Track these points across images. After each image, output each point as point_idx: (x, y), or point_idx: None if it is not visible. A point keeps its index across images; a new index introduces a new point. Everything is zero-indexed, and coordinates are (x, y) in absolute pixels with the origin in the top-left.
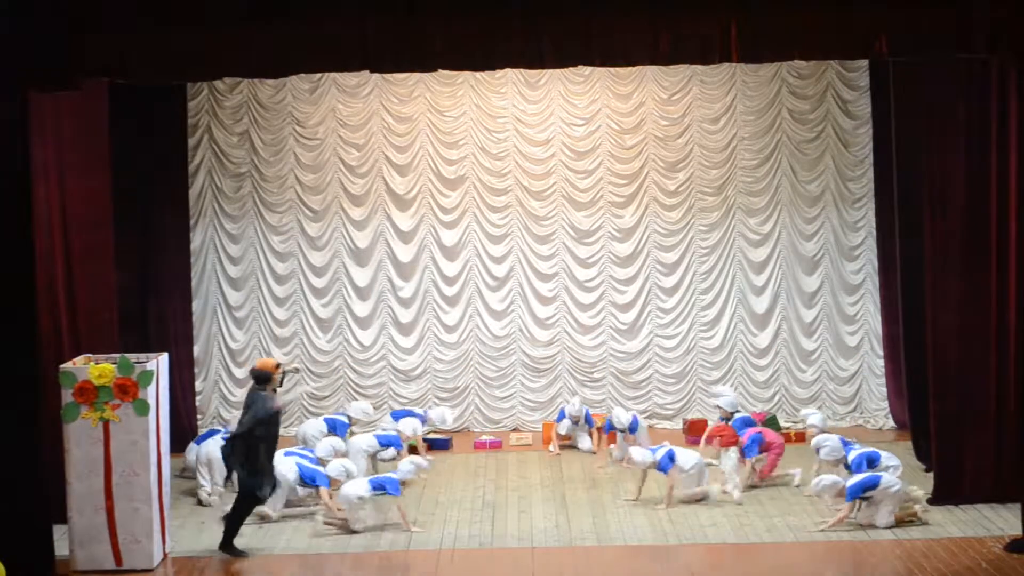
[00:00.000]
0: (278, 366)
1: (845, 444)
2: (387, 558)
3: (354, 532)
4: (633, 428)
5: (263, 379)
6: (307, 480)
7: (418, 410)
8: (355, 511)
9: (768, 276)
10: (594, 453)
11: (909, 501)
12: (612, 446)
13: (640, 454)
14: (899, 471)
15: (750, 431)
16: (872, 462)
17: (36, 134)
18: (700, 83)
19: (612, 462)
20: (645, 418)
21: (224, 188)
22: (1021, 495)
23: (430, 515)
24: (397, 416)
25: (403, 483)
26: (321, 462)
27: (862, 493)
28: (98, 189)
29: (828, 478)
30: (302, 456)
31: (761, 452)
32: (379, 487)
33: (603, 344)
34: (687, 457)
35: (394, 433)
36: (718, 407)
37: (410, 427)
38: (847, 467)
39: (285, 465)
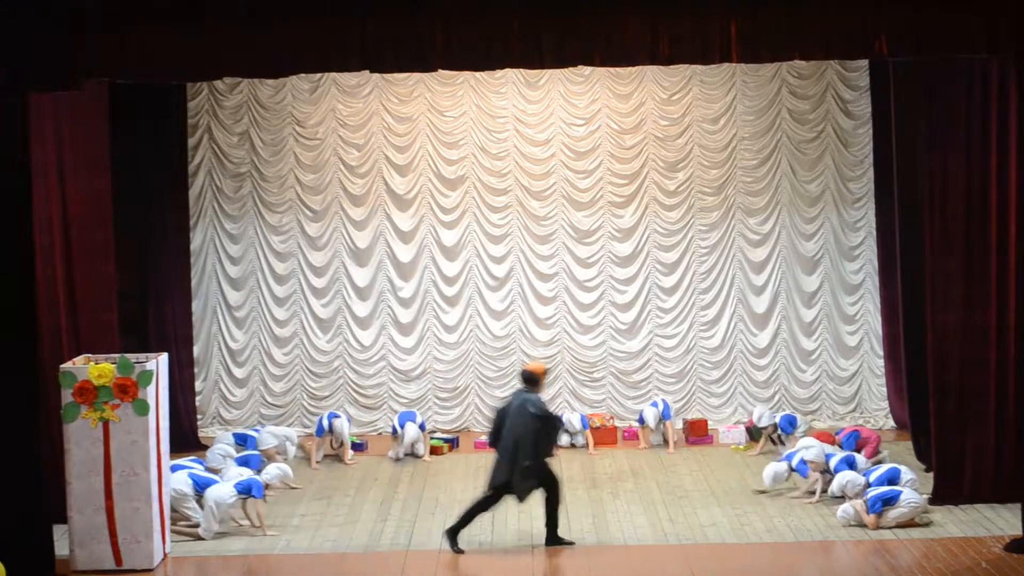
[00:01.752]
0: (546, 371)
1: (830, 455)
2: (387, 558)
3: (201, 539)
4: (666, 416)
5: (531, 381)
6: (200, 490)
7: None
8: (224, 515)
9: (768, 276)
10: (592, 454)
11: (921, 516)
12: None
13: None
14: (916, 484)
15: (847, 428)
16: (892, 480)
17: (36, 134)
18: (700, 83)
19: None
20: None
21: (224, 188)
22: (1021, 495)
23: (430, 515)
24: (403, 419)
25: (267, 487)
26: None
27: (883, 506)
28: (98, 189)
29: (850, 506)
30: (191, 466)
31: (858, 448)
32: (245, 490)
33: (603, 344)
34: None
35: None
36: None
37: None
38: (835, 469)
39: (178, 478)
